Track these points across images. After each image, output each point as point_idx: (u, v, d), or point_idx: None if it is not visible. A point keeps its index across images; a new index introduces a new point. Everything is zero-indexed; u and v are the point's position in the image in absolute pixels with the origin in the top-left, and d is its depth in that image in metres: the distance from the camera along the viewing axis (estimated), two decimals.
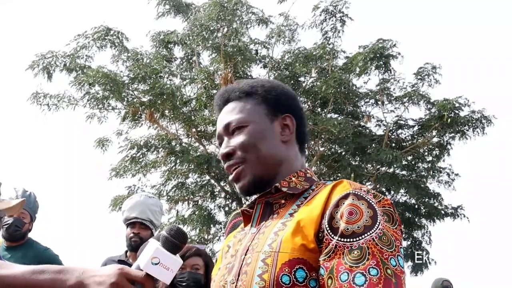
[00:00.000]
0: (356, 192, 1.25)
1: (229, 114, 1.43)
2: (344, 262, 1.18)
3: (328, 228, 1.22)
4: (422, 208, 13.51)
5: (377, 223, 1.21)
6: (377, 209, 1.23)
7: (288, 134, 1.42)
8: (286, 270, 1.21)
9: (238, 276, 1.29)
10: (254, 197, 1.44)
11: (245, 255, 1.31)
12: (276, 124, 1.42)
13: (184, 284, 2.68)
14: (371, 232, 1.19)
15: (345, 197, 1.25)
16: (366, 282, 1.15)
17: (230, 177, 1.41)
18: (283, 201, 1.37)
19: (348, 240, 1.19)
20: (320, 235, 1.23)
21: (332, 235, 1.21)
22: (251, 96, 1.43)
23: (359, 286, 1.15)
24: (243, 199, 11.54)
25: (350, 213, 1.22)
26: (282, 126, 1.42)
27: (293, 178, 1.39)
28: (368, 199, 1.24)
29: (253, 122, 1.40)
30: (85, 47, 12.71)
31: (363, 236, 1.19)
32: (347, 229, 1.20)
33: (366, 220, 1.21)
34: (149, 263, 1.24)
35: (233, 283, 1.29)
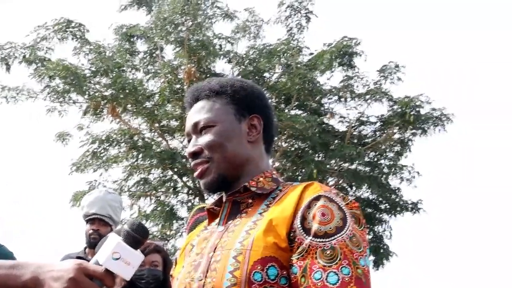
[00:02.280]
0: (327, 195, 1.30)
1: (198, 113, 1.45)
2: (318, 261, 1.22)
3: (300, 228, 1.26)
4: (383, 203, 13.72)
5: (347, 225, 1.26)
6: (346, 212, 1.29)
7: (255, 134, 1.45)
8: (258, 267, 1.24)
9: (207, 272, 1.29)
10: (219, 195, 1.46)
11: (214, 252, 1.32)
12: (243, 124, 1.44)
13: (143, 281, 2.66)
14: (342, 233, 1.25)
15: (317, 198, 1.29)
16: (339, 281, 1.20)
17: (195, 174, 1.43)
18: (250, 201, 1.40)
19: (321, 240, 1.24)
20: (291, 234, 1.27)
21: (305, 235, 1.25)
22: (220, 96, 1.45)
23: (333, 285, 1.20)
24: (205, 195, 11.49)
25: (322, 215, 1.26)
26: (250, 126, 1.45)
27: (261, 179, 1.42)
28: (338, 202, 1.30)
29: (221, 122, 1.42)
30: (46, 39, 12.44)
31: (335, 237, 1.24)
32: (320, 229, 1.25)
33: (338, 222, 1.26)
34: (110, 258, 1.21)
35: (201, 280, 1.30)
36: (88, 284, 1.18)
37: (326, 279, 1.20)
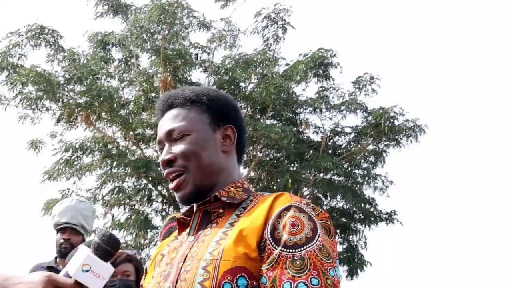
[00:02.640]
0: (297, 205, 1.30)
1: (172, 120, 1.44)
2: (287, 271, 1.21)
3: (270, 238, 1.26)
4: (357, 213, 13.80)
5: (317, 235, 1.26)
6: (316, 222, 1.28)
7: (229, 144, 1.45)
8: (228, 278, 1.23)
9: (176, 283, 1.28)
10: (189, 205, 1.45)
11: (184, 262, 1.31)
12: (218, 134, 1.44)
13: None
14: (312, 243, 1.24)
15: (287, 209, 1.28)
16: None
17: (171, 185, 1.42)
18: (221, 211, 1.39)
19: (291, 250, 1.23)
20: (262, 244, 1.26)
21: (275, 245, 1.25)
22: (195, 105, 1.45)
23: None
24: (180, 204, 11.43)
25: (292, 225, 1.26)
26: (224, 136, 1.44)
27: (232, 188, 1.41)
28: (309, 212, 1.29)
29: (196, 130, 1.41)
30: (18, 45, 12.30)
31: (305, 247, 1.23)
32: (290, 240, 1.24)
33: (307, 232, 1.25)
34: (79, 270, 1.20)
35: None
36: None
37: None
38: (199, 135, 1.41)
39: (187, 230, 1.42)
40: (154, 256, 1.49)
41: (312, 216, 1.28)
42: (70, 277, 1.20)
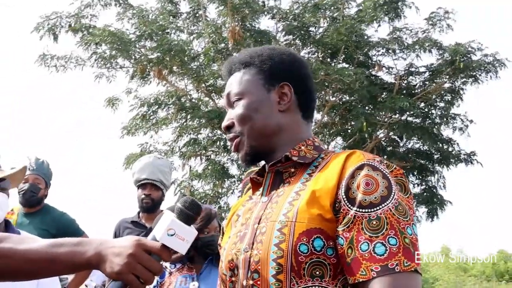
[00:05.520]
0: (371, 163, 1.27)
1: (230, 86, 1.46)
2: (364, 232, 1.21)
3: (345, 199, 1.25)
4: (435, 154, 13.50)
5: (393, 193, 1.23)
6: (391, 179, 1.26)
7: (286, 102, 1.42)
8: (304, 239, 1.23)
9: (253, 244, 1.31)
10: (251, 165, 1.46)
11: (258, 224, 1.33)
12: (273, 93, 1.42)
13: (213, 246, 2.71)
14: (387, 202, 1.22)
15: (360, 167, 1.26)
16: (387, 252, 1.18)
17: (232, 149, 1.45)
18: (292, 170, 1.39)
19: (366, 210, 1.22)
20: (336, 205, 1.25)
21: (350, 206, 1.24)
22: (249, 67, 1.45)
23: (380, 256, 1.18)
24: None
25: (367, 184, 1.24)
26: (280, 95, 1.43)
27: (302, 147, 1.40)
28: (382, 170, 1.27)
29: (249, 93, 1.42)
30: (89, 6, 12.58)
31: (380, 207, 1.22)
32: (365, 199, 1.23)
33: (382, 191, 1.23)
34: (165, 234, 1.26)
35: (247, 251, 1.31)
36: (147, 259, 1.24)
37: (373, 250, 1.18)
38: (252, 98, 1.41)
39: (260, 189, 1.43)
40: (230, 216, 1.51)
41: (386, 173, 1.26)
42: (157, 241, 1.26)
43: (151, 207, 3.80)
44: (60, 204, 4.07)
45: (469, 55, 12.27)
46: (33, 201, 3.86)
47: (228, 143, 1.41)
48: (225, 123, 1.45)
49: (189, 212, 1.30)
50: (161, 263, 1.27)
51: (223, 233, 1.53)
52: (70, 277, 3.89)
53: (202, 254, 2.72)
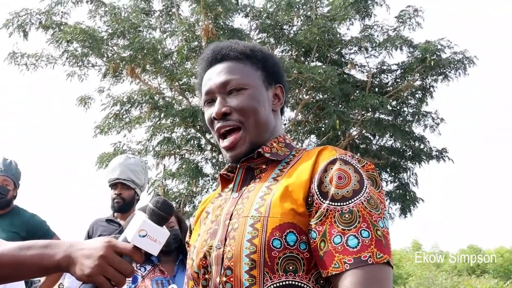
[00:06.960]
0: (343, 158, 1.29)
1: (227, 73, 1.40)
2: (336, 225, 1.21)
3: (318, 193, 1.25)
4: (407, 151, 13.67)
5: (364, 187, 1.25)
6: (363, 174, 1.27)
7: (277, 104, 1.44)
8: (277, 234, 1.23)
9: (225, 241, 1.29)
10: (237, 163, 1.43)
11: (230, 220, 1.32)
12: (269, 92, 1.43)
13: (179, 240, 2.71)
14: (359, 196, 1.24)
15: (333, 162, 1.28)
16: (359, 244, 1.19)
17: (223, 144, 1.39)
18: (264, 166, 1.39)
19: (339, 204, 1.23)
20: (309, 199, 1.26)
21: (322, 200, 1.24)
22: (251, 60, 1.42)
23: (353, 248, 1.19)
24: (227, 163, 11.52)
25: (339, 178, 1.25)
26: (274, 95, 1.44)
27: (274, 144, 1.41)
28: (354, 164, 1.28)
29: (253, 86, 1.39)
30: (60, 3, 12.41)
31: (352, 200, 1.23)
32: (337, 193, 1.24)
33: (355, 185, 1.25)
34: (137, 236, 1.24)
35: (220, 248, 1.30)
36: (118, 261, 1.22)
37: (346, 242, 1.19)
38: (256, 91, 1.39)
39: (231, 186, 1.42)
40: (198, 213, 1.49)
41: (358, 168, 1.27)
42: (129, 242, 1.24)
43: (122, 207, 3.78)
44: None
45: (439, 53, 12.45)
46: (2, 203, 3.79)
47: (214, 136, 1.39)
48: (222, 109, 1.37)
49: (161, 213, 1.27)
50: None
51: (191, 231, 1.50)
52: (43, 279, 3.84)
53: (173, 250, 2.72)
